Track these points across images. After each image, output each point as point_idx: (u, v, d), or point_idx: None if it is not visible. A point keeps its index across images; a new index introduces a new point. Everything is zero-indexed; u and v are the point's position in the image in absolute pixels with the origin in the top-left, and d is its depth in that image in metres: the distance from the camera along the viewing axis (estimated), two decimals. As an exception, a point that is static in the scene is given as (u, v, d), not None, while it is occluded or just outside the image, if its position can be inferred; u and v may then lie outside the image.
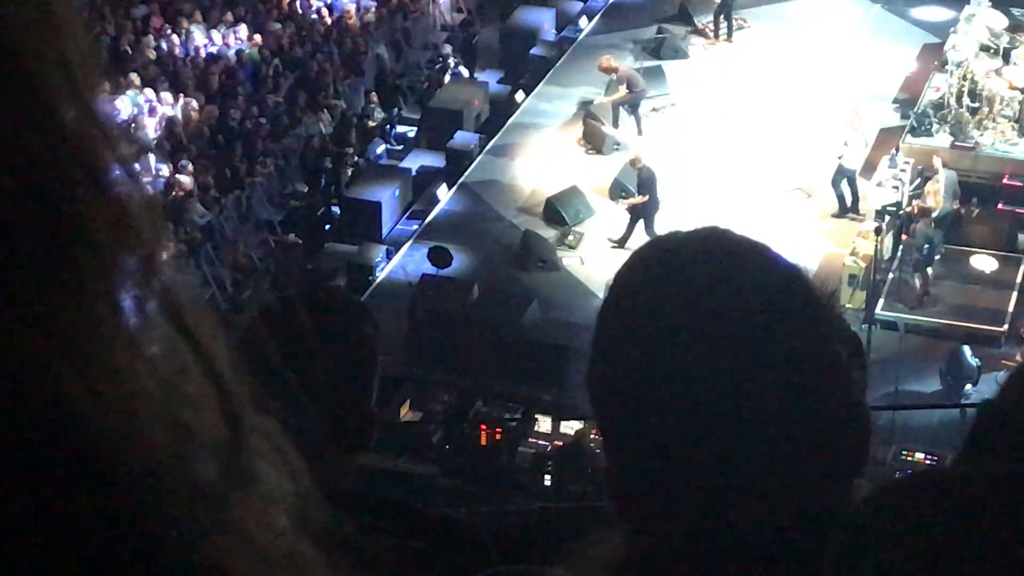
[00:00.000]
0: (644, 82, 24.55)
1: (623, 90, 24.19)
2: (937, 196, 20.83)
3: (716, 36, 27.39)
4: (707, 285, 1.57)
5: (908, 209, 21.18)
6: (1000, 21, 24.52)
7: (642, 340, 1.57)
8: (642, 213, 21.68)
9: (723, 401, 1.53)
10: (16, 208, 0.71)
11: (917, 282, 20.51)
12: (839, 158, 22.26)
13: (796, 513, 1.56)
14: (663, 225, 21.45)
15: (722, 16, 27.27)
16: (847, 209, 22.38)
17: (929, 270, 20.56)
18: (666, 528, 1.58)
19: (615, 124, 24.12)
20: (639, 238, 21.32)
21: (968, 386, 18.55)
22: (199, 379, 0.77)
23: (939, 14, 27.05)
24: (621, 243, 21.70)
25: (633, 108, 24.31)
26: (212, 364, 0.78)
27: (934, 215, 20.83)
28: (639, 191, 21.87)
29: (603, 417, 1.62)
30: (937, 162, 21.57)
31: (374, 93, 25.49)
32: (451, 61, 26.63)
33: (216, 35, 25.49)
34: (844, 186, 22.37)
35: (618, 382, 1.59)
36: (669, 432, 1.55)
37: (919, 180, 22.00)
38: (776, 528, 1.55)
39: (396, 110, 25.75)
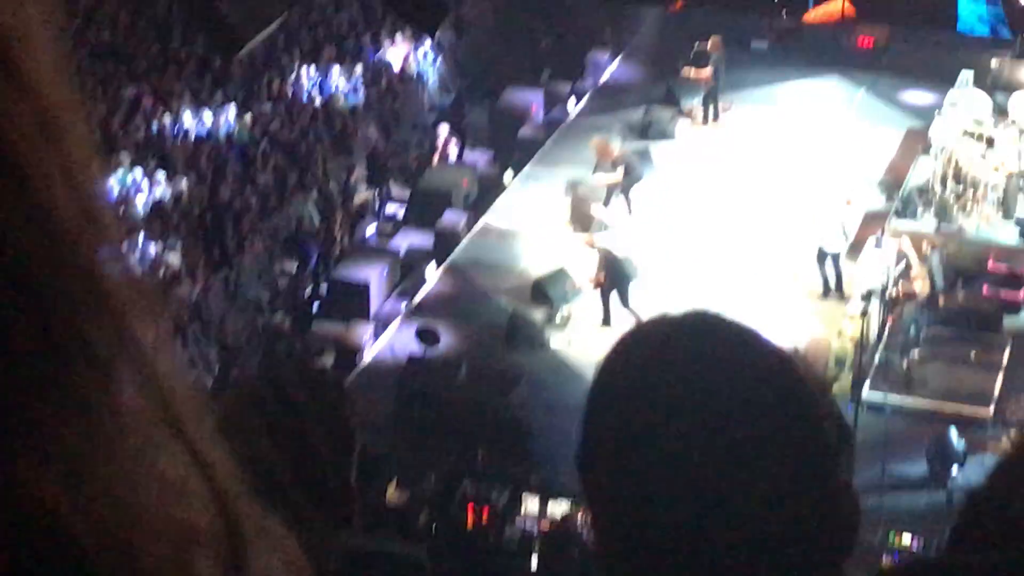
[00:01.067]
0: (641, 167, 24.58)
1: (619, 173, 24.19)
2: (924, 279, 20.86)
3: (704, 119, 27.54)
4: (697, 368, 1.58)
5: (894, 292, 21.20)
6: (984, 106, 24.65)
7: (632, 422, 1.58)
8: (610, 288, 21.71)
9: (713, 484, 1.54)
10: (9, 315, 0.71)
11: (904, 364, 20.50)
12: (820, 240, 22.34)
13: None
14: (648, 307, 21.49)
15: (709, 99, 27.43)
16: (830, 290, 22.42)
17: (915, 352, 20.56)
18: None
19: (606, 203, 24.14)
20: (621, 313, 21.35)
21: (955, 469, 18.50)
22: (194, 474, 0.77)
23: (924, 98, 27.24)
24: (605, 322, 21.72)
25: (626, 191, 24.35)
26: (204, 459, 0.78)
27: (920, 298, 20.85)
28: (599, 268, 21.95)
29: (593, 498, 1.63)
30: (925, 245, 21.62)
31: (358, 172, 25.53)
32: (440, 142, 26.73)
33: (206, 116, 25.57)
34: (828, 267, 22.41)
35: (608, 463, 1.59)
36: (658, 514, 1.56)
37: (904, 263, 22.03)
38: None
39: (383, 189, 25.81)
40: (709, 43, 27.02)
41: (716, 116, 27.50)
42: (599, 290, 21.93)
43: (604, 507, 1.63)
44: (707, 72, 26.97)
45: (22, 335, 0.71)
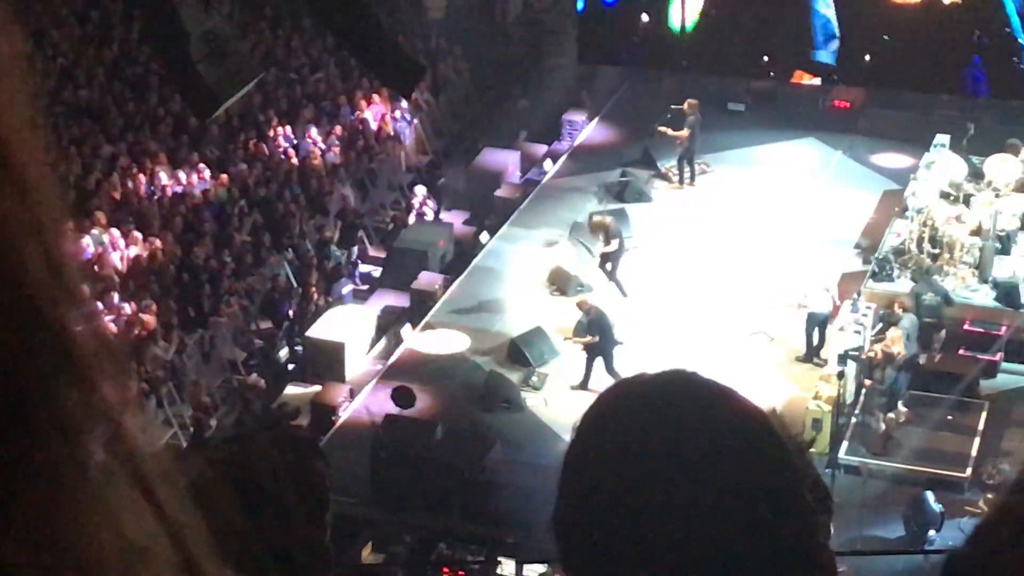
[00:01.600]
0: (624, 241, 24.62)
1: (614, 245, 24.18)
2: (899, 342, 20.91)
3: (680, 181, 27.65)
4: (674, 428, 1.57)
5: (870, 354, 21.25)
6: (960, 168, 24.82)
7: (609, 483, 1.56)
8: (598, 353, 21.74)
9: (690, 544, 1.52)
10: None
11: (881, 427, 20.53)
12: (806, 307, 22.41)
13: None
14: (625, 367, 21.52)
15: (685, 161, 27.56)
16: (812, 354, 22.47)
17: (892, 415, 20.60)
18: None
19: (618, 284, 24.18)
20: (600, 379, 21.36)
21: (932, 532, 18.50)
22: (160, 537, 0.76)
23: (899, 161, 27.42)
24: (583, 385, 21.73)
25: (615, 262, 24.34)
26: (173, 521, 0.77)
27: (897, 361, 20.89)
28: (589, 332, 21.96)
29: (569, 560, 1.60)
30: (899, 309, 21.70)
31: (331, 233, 25.59)
32: (416, 202, 26.81)
33: (182, 175, 25.59)
34: (816, 331, 22.48)
35: (585, 524, 1.57)
36: (635, 574, 1.53)
37: (880, 325, 22.11)
38: None
39: (358, 249, 25.84)
40: (685, 105, 27.18)
41: (692, 178, 27.62)
42: (585, 354, 21.90)
43: (580, 571, 1.60)
44: (684, 133, 27.11)
45: None
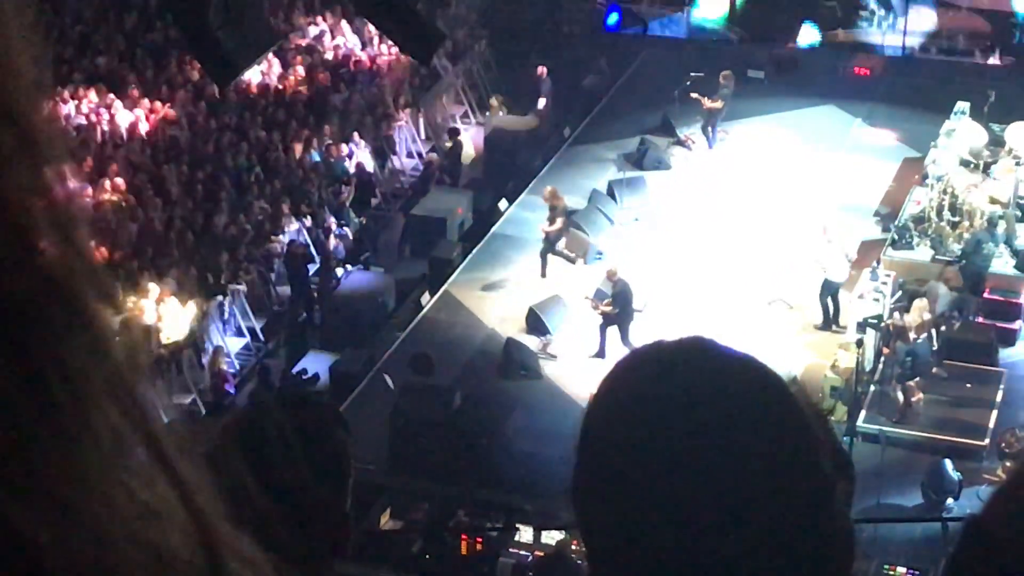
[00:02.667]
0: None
1: (559, 223, 24.06)
2: (923, 312, 20.82)
3: (711, 146, 27.54)
4: (693, 395, 1.56)
5: (889, 322, 21.21)
6: (980, 136, 24.72)
7: (627, 450, 1.56)
8: (615, 323, 21.72)
9: (707, 511, 1.52)
10: None
11: (900, 395, 20.50)
12: (824, 272, 22.35)
13: None
14: (643, 335, 21.50)
15: (708, 127, 27.48)
16: (830, 322, 22.44)
17: (911, 383, 20.55)
18: None
19: (544, 267, 24.05)
20: (615, 348, 21.37)
21: (949, 500, 18.50)
22: (174, 502, 0.76)
23: (920, 128, 27.30)
24: (599, 354, 21.73)
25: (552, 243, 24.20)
26: (185, 487, 0.77)
27: (917, 329, 20.82)
28: (613, 302, 21.93)
29: (587, 527, 1.61)
30: (944, 280, 21.57)
31: (350, 199, 25.60)
32: (435, 169, 26.80)
33: (202, 141, 25.59)
34: (830, 299, 22.44)
35: (603, 491, 1.57)
36: (653, 543, 1.54)
37: (900, 293, 22.07)
38: None
39: (376, 215, 25.86)
40: (721, 77, 27.12)
41: (711, 145, 27.57)
42: (601, 322, 21.87)
43: (598, 537, 1.60)
44: (719, 103, 27.09)
45: (0, 359, 0.70)
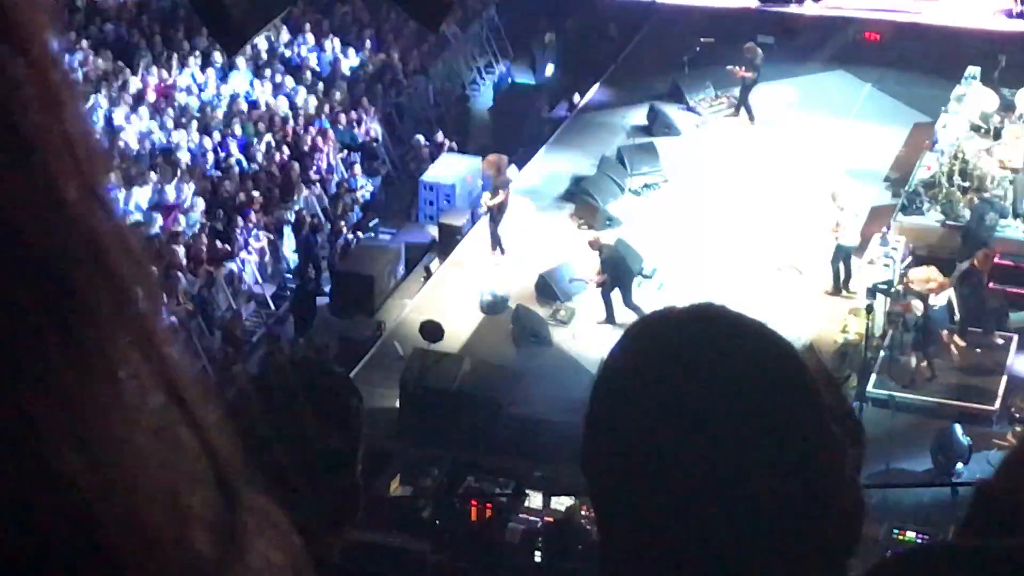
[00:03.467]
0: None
1: (502, 196, 23.83)
2: (926, 282, 20.79)
3: (752, 118, 27.47)
4: (703, 361, 1.57)
5: (900, 287, 21.20)
6: (991, 101, 24.65)
7: (638, 415, 1.56)
8: (612, 287, 21.72)
9: (717, 477, 1.53)
10: (16, 285, 0.71)
11: (913, 361, 20.48)
12: (836, 237, 22.33)
13: None
14: (652, 301, 21.51)
15: (745, 100, 27.41)
16: (840, 287, 22.45)
17: (921, 348, 20.54)
18: None
19: (494, 234, 23.83)
20: (623, 313, 21.39)
21: (959, 465, 18.51)
22: (196, 454, 0.78)
23: (930, 94, 27.22)
24: (609, 320, 21.75)
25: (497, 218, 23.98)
26: (208, 439, 0.79)
27: (927, 294, 20.80)
28: (603, 270, 21.93)
29: (597, 492, 1.61)
30: (978, 263, 21.51)
31: (358, 165, 25.59)
32: (442, 136, 26.76)
33: (211, 108, 25.59)
34: (841, 264, 22.44)
35: (613, 457, 1.58)
36: (663, 508, 1.54)
37: (911, 259, 22.05)
38: None
39: (380, 181, 25.86)
40: (745, 50, 27.08)
41: (737, 112, 27.57)
42: (600, 290, 21.93)
43: (608, 503, 1.61)
44: (752, 73, 27.08)
45: (25, 301, 0.71)
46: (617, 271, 21.84)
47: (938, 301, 20.54)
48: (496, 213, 23.68)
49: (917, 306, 20.44)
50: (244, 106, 26.09)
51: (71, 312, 0.73)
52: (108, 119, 24.59)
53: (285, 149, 25.21)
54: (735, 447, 1.53)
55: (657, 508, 1.54)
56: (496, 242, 23.75)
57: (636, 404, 1.57)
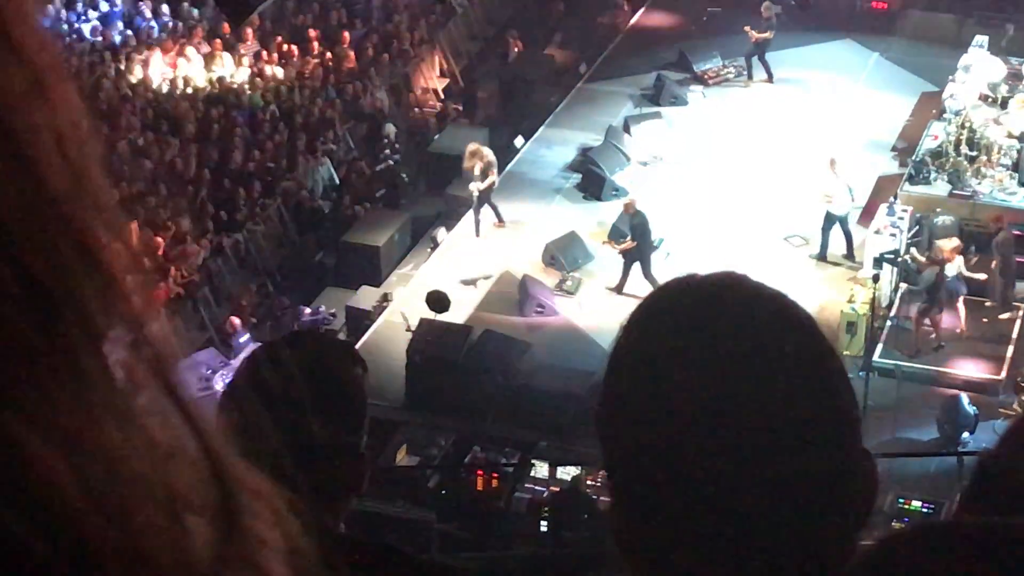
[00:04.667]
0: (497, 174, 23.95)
1: (491, 179, 23.60)
2: (955, 251, 20.76)
3: (770, 76, 27.42)
4: (723, 327, 1.57)
5: (907, 257, 21.17)
6: (998, 70, 24.59)
7: (657, 379, 1.56)
8: (637, 258, 21.70)
9: (735, 443, 1.53)
10: (1, 280, 0.70)
11: (916, 330, 20.48)
12: (827, 203, 22.35)
13: (801, 564, 1.54)
14: (661, 271, 21.51)
15: (756, 59, 27.36)
16: (825, 255, 22.42)
17: (927, 318, 20.53)
18: (670, 572, 1.57)
19: (477, 214, 23.58)
20: (636, 283, 21.36)
21: (965, 434, 18.51)
22: (187, 439, 0.77)
23: (937, 63, 27.15)
24: (618, 289, 21.74)
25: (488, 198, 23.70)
26: (198, 424, 0.78)
27: (935, 263, 20.79)
28: (631, 235, 21.89)
29: (612, 456, 1.61)
30: (993, 223, 21.50)
31: (366, 138, 25.57)
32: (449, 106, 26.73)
33: (215, 78, 25.55)
34: (832, 232, 22.43)
35: (630, 419, 1.58)
36: (678, 473, 1.54)
37: (917, 228, 22.02)
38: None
39: (391, 153, 25.82)
40: (763, 8, 27.03)
41: (753, 75, 27.50)
42: (624, 257, 21.84)
43: (623, 467, 1.61)
44: (768, 33, 27.01)
45: (13, 296, 0.70)
46: (644, 239, 21.79)
47: (954, 268, 20.54)
48: (484, 194, 23.59)
49: (933, 269, 20.47)
50: (250, 76, 26.04)
51: (56, 299, 0.72)
52: (116, 87, 24.57)
53: (291, 119, 25.18)
54: (752, 412, 1.53)
55: (672, 471, 1.54)
56: (496, 213, 23.68)
57: (655, 368, 1.57)
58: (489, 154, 23.64)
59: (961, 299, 20.72)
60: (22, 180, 0.72)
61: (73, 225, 0.73)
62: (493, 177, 23.49)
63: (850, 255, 22.40)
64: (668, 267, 21.97)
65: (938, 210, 22.20)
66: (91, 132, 0.77)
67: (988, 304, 21.25)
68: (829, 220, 22.37)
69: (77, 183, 0.74)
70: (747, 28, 27.12)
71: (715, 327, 1.57)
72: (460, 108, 27.14)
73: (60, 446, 0.70)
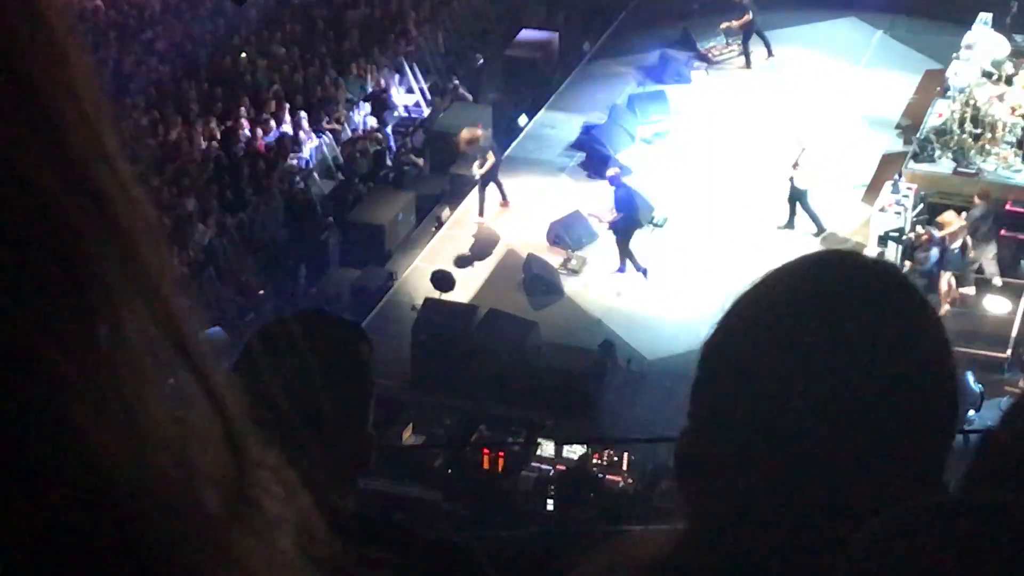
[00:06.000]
0: (499, 154, 23.88)
1: (491, 157, 23.54)
2: (962, 231, 20.74)
3: (769, 51, 27.35)
4: (836, 306, 1.60)
5: (912, 235, 21.15)
6: (1002, 47, 24.53)
7: (772, 348, 1.59)
8: (620, 229, 21.67)
9: (830, 398, 1.56)
10: (19, 234, 0.71)
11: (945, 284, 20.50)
12: (790, 179, 22.39)
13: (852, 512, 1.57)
14: (661, 249, 21.53)
15: (749, 40, 27.28)
16: (793, 224, 22.50)
17: (932, 295, 20.51)
18: (726, 497, 1.59)
19: (481, 193, 23.50)
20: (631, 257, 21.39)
21: (971, 412, 18.51)
22: (204, 410, 0.78)
23: (941, 40, 27.08)
24: (620, 270, 21.74)
25: (492, 178, 23.65)
26: (216, 394, 0.79)
27: (940, 241, 20.78)
28: (616, 207, 21.85)
29: (706, 375, 1.64)
30: (977, 199, 21.47)
31: (370, 116, 25.54)
32: (453, 85, 26.68)
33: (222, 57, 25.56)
34: (798, 205, 22.51)
35: (741, 388, 1.61)
36: (779, 434, 1.56)
37: (922, 206, 22.00)
38: (830, 540, 1.55)
39: (390, 131, 25.82)
40: None
41: (764, 53, 27.47)
42: (615, 236, 21.84)
43: (711, 389, 1.64)
44: (748, 15, 26.91)
45: (32, 261, 0.71)
46: (628, 212, 21.74)
47: (954, 244, 20.56)
48: (487, 175, 23.55)
49: (936, 242, 20.47)
50: (254, 55, 26.02)
51: (76, 264, 0.72)
52: (117, 67, 24.55)
53: (295, 98, 25.16)
54: (855, 374, 1.56)
55: (772, 433, 1.57)
56: (502, 193, 23.66)
57: (773, 336, 1.61)
58: (485, 138, 23.60)
59: (951, 275, 20.73)
60: (40, 134, 0.72)
61: (89, 182, 0.74)
62: (493, 158, 23.44)
63: (791, 225, 22.45)
64: (669, 245, 21.99)
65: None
66: (105, 96, 0.77)
67: (992, 282, 21.25)
68: (793, 194, 22.47)
69: (93, 142, 0.75)
70: (723, 25, 27.09)
71: (828, 304, 1.61)
72: (463, 87, 27.08)
73: (82, 392, 0.71)
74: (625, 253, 21.74)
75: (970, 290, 20.95)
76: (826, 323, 1.59)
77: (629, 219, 21.74)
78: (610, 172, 22.42)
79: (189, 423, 0.76)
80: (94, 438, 0.71)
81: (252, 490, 0.79)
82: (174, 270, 0.79)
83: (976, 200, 21.53)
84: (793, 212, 22.60)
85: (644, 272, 21.48)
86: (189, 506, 0.75)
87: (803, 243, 22.14)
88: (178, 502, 0.74)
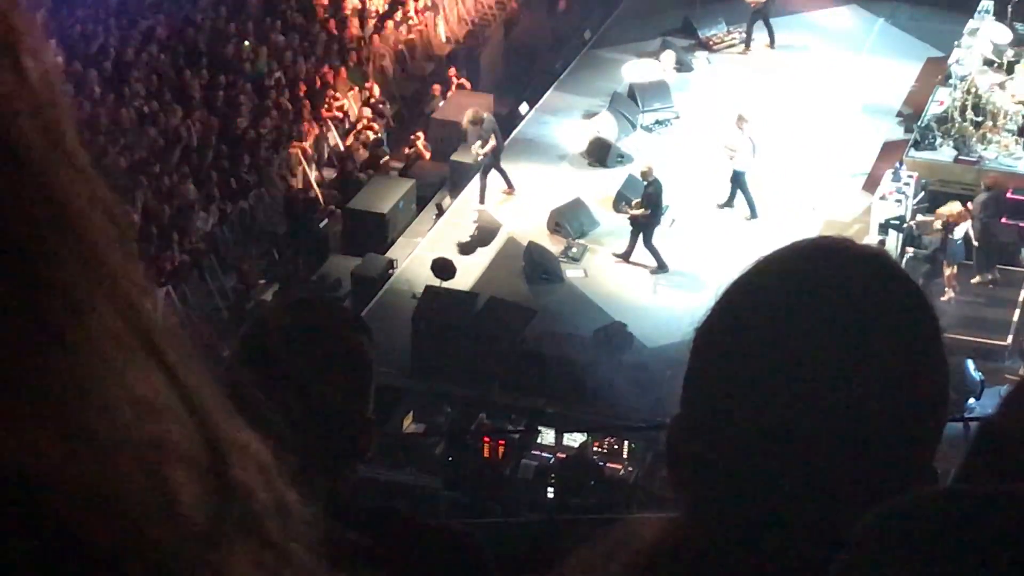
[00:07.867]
0: (501, 137, 23.76)
1: (494, 141, 23.38)
2: (964, 216, 20.73)
3: (772, 41, 27.29)
4: (828, 294, 1.60)
5: (913, 223, 21.15)
6: (1004, 35, 24.52)
7: (765, 335, 1.59)
8: (646, 226, 21.66)
9: (822, 390, 1.56)
10: None
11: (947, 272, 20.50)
12: (730, 159, 22.39)
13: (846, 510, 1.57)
14: (664, 239, 21.52)
15: (755, 25, 27.23)
16: (730, 204, 22.60)
17: (933, 283, 20.49)
18: (714, 487, 1.59)
19: (483, 180, 23.39)
20: (639, 253, 21.37)
21: (971, 400, 18.53)
22: (176, 407, 0.76)
23: (943, 28, 27.06)
24: (625, 257, 21.72)
25: (495, 161, 23.59)
26: (189, 392, 0.77)
27: (941, 229, 20.77)
28: (644, 203, 21.80)
29: (698, 364, 1.63)
30: (984, 183, 21.48)
31: (368, 108, 25.51)
32: (453, 72, 26.67)
33: (222, 46, 25.51)
34: (738, 188, 22.55)
35: (727, 377, 1.60)
36: (759, 396, 1.57)
37: (923, 194, 21.99)
38: (825, 533, 1.55)
39: (391, 119, 25.80)
40: None
41: (773, 41, 27.37)
42: (633, 225, 21.78)
43: (702, 377, 1.63)
44: None
45: None
46: (656, 208, 21.73)
47: (957, 233, 20.54)
48: (491, 158, 23.48)
49: (937, 229, 20.45)
50: (255, 42, 25.98)
51: (37, 271, 0.71)
52: (117, 59, 24.51)
53: (296, 86, 25.14)
54: (845, 366, 1.56)
55: (763, 425, 1.57)
56: (506, 180, 23.64)
57: (765, 324, 1.60)
58: (489, 121, 23.57)
59: (955, 265, 20.75)
60: (2, 148, 0.70)
61: (49, 187, 0.72)
62: (494, 142, 23.40)
63: (729, 205, 22.48)
64: (672, 235, 21.97)
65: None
66: (66, 94, 0.75)
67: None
68: (735, 176, 22.52)
69: (52, 145, 0.73)
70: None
71: (819, 291, 1.60)
72: (464, 74, 27.05)
73: (44, 421, 0.69)
74: (634, 240, 21.69)
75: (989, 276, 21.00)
76: (817, 310, 1.58)
77: (656, 217, 21.71)
78: (644, 170, 22.30)
79: (159, 413, 0.75)
80: (53, 455, 0.69)
81: (223, 466, 0.77)
82: (143, 271, 0.77)
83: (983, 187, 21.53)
84: (733, 194, 22.61)
85: (665, 268, 21.45)
86: (155, 485, 0.73)
87: (801, 231, 22.14)
88: (143, 481, 0.72)
